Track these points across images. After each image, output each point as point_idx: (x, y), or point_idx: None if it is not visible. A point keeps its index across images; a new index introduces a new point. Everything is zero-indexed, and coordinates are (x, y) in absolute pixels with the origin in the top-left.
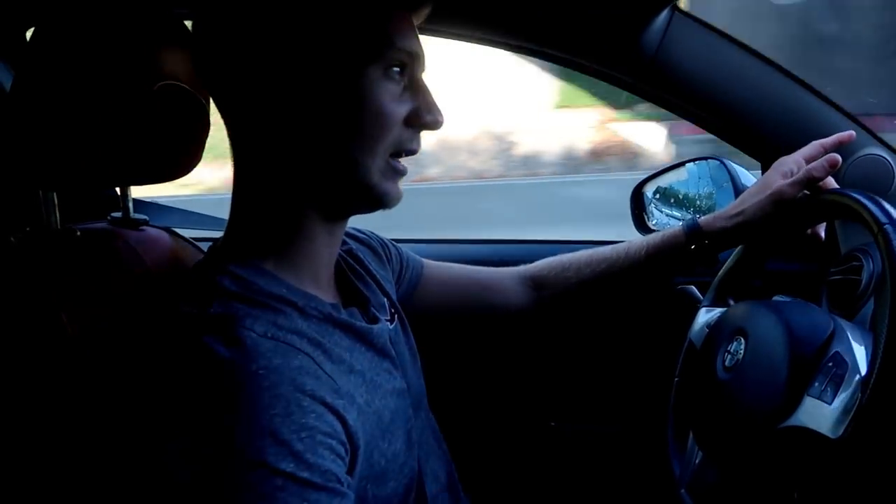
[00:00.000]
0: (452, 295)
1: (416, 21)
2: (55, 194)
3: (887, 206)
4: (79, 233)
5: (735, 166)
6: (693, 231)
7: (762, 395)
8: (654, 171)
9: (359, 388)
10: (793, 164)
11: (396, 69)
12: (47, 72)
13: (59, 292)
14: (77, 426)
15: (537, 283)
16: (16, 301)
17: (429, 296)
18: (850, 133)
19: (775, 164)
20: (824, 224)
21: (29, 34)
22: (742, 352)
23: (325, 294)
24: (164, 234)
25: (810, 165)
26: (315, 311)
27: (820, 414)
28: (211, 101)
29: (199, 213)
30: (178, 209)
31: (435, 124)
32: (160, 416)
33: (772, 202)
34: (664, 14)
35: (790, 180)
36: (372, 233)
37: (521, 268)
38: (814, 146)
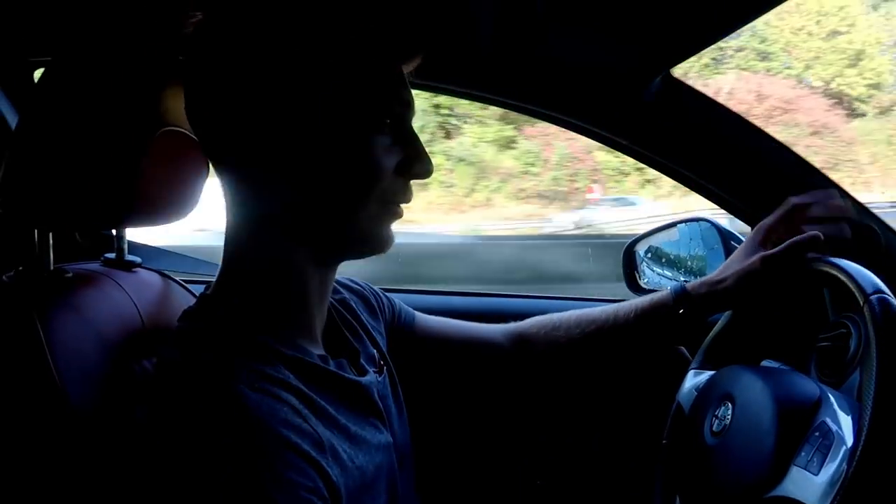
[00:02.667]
0: (443, 347)
1: (406, 70)
2: (50, 235)
3: (874, 277)
4: (70, 273)
5: (725, 228)
6: (680, 296)
7: (749, 463)
8: (645, 232)
9: (342, 444)
10: (772, 232)
11: (387, 120)
12: (52, 113)
13: (46, 334)
14: (60, 472)
15: (526, 341)
16: (4, 340)
17: (418, 348)
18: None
19: (755, 229)
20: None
21: (37, 75)
22: (729, 417)
23: (315, 344)
24: (157, 277)
25: (793, 239)
26: (302, 362)
27: (806, 485)
28: None
29: (192, 258)
30: (171, 252)
31: (425, 174)
32: (144, 465)
33: (755, 269)
34: (657, 80)
35: (774, 250)
36: (366, 283)
37: (511, 325)
38: (786, 204)
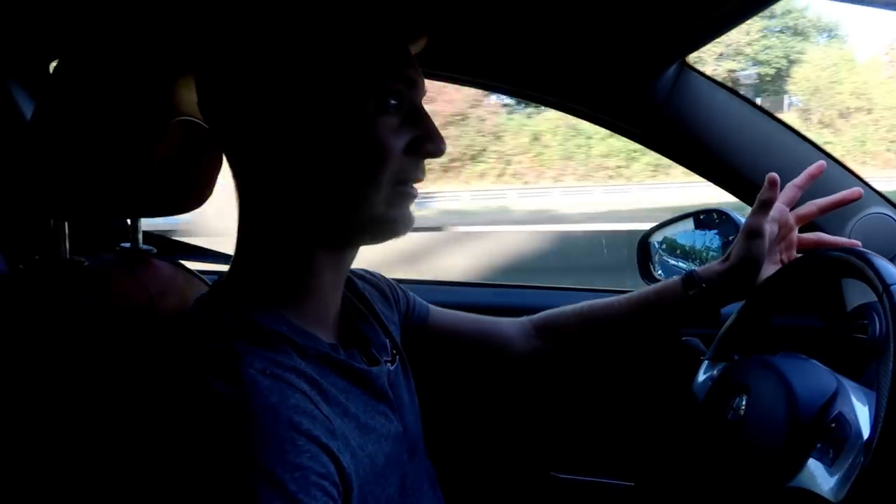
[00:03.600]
0: (456, 342)
1: (414, 51)
2: (66, 224)
3: (892, 267)
4: (86, 262)
5: (741, 218)
6: (689, 278)
7: (764, 455)
8: (660, 222)
9: (353, 432)
10: (776, 211)
11: (393, 101)
12: (68, 103)
13: (63, 322)
14: (76, 458)
15: (541, 333)
16: (21, 328)
17: (433, 341)
18: (820, 165)
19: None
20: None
21: (52, 66)
22: (744, 408)
23: (327, 333)
24: (171, 266)
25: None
26: (313, 350)
27: (822, 476)
28: None
29: (205, 248)
30: (185, 242)
31: (437, 152)
32: (156, 451)
33: (748, 238)
34: (673, 68)
35: (767, 217)
36: (380, 274)
37: (524, 319)
38: (789, 188)
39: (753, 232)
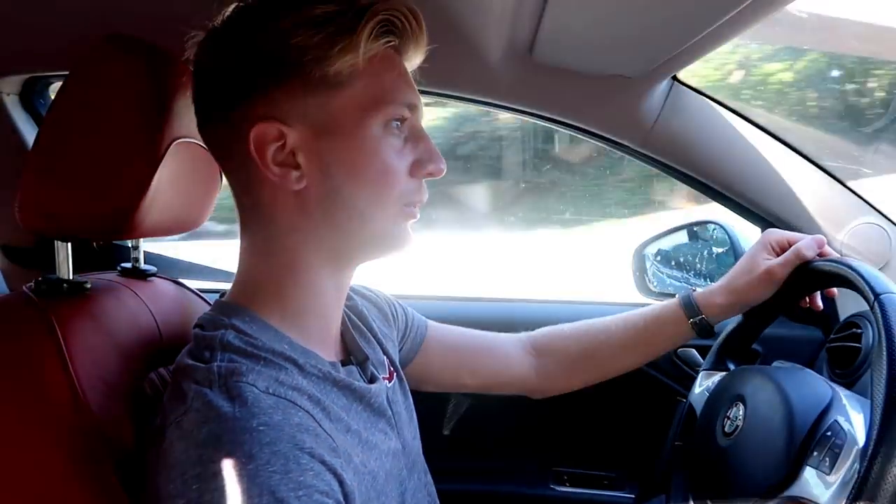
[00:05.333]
0: (456, 357)
1: (411, 67)
2: (69, 245)
3: (882, 277)
4: (88, 283)
5: (734, 231)
6: (689, 307)
7: (762, 464)
8: (655, 234)
9: (355, 448)
10: (775, 243)
11: (396, 123)
12: (68, 126)
13: (67, 342)
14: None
15: (539, 351)
16: (25, 349)
17: (432, 357)
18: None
19: (760, 238)
20: (820, 295)
21: (53, 90)
22: (741, 418)
23: (327, 351)
24: (172, 286)
25: (799, 244)
26: (314, 369)
27: (819, 485)
28: None
29: (206, 266)
30: (186, 262)
31: (438, 172)
32: (160, 470)
33: (764, 281)
34: (665, 83)
35: (780, 260)
36: (379, 291)
37: (523, 334)
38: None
39: (771, 276)
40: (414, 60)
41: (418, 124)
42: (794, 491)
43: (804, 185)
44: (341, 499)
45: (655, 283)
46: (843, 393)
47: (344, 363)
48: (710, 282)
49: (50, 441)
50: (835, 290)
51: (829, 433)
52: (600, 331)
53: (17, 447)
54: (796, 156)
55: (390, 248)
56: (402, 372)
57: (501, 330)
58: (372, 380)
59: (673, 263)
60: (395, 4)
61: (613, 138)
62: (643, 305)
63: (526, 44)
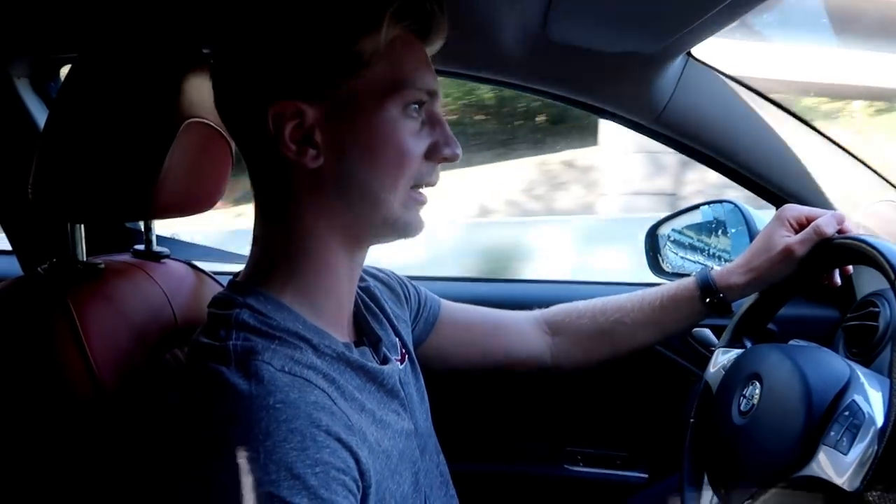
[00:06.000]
0: (469, 336)
1: (431, 52)
2: (82, 227)
3: None
4: (102, 265)
5: (749, 210)
6: (706, 286)
7: (778, 443)
8: (669, 214)
9: (369, 427)
10: (793, 219)
11: (414, 106)
12: (80, 108)
13: (82, 323)
14: (97, 459)
15: (553, 329)
16: (41, 330)
17: (446, 336)
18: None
19: (776, 214)
20: (838, 272)
21: (63, 72)
22: (757, 397)
23: (341, 331)
24: (185, 267)
25: (818, 221)
26: (328, 349)
27: (836, 464)
28: None
29: (218, 249)
30: (198, 244)
31: (453, 157)
32: (178, 449)
33: (783, 259)
34: (679, 60)
35: (799, 238)
36: (391, 272)
37: (537, 312)
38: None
39: (790, 254)
40: (435, 45)
41: (436, 109)
42: (810, 470)
43: (821, 162)
44: (357, 476)
45: (669, 264)
46: (861, 371)
47: (357, 344)
48: (725, 262)
49: (67, 420)
50: (850, 266)
51: (846, 412)
52: (616, 309)
53: (36, 426)
54: (813, 133)
55: (400, 232)
56: (413, 354)
57: (516, 309)
58: (384, 361)
59: (687, 244)
60: None
61: (627, 116)
62: (657, 286)
63: (539, 22)
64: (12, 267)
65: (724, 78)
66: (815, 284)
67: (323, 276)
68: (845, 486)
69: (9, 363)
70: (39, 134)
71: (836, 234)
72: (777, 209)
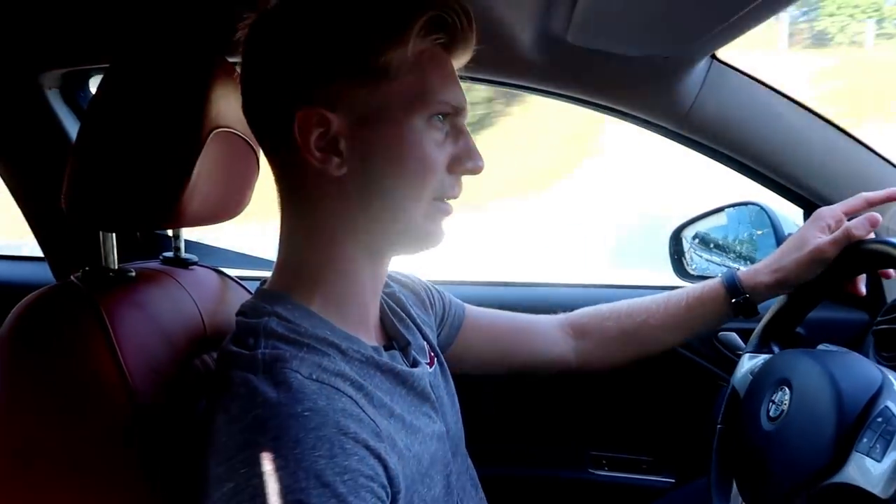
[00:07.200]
0: (494, 341)
1: (458, 66)
2: (114, 235)
3: None
4: (133, 272)
5: (775, 212)
6: (733, 286)
7: (808, 449)
8: (693, 217)
9: (399, 432)
10: (831, 219)
11: (439, 117)
12: (110, 119)
13: (114, 330)
14: (130, 464)
15: (577, 332)
16: (76, 336)
17: (471, 340)
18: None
19: (814, 215)
20: (864, 278)
21: (93, 83)
22: (787, 402)
23: (368, 336)
24: (213, 274)
25: (850, 223)
26: (357, 353)
27: (869, 472)
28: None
29: (245, 254)
30: (226, 250)
31: (476, 169)
32: (207, 456)
33: (812, 260)
34: (703, 62)
35: (829, 238)
36: (416, 277)
37: (562, 316)
38: (857, 199)
39: (820, 255)
40: (462, 59)
41: (461, 122)
42: (842, 478)
43: (849, 164)
44: (386, 483)
45: (695, 267)
46: (893, 376)
47: (386, 348)
48: (751, 265)
49: (102, 427)
50: (891, 270)
51: (879, 419)
52: (641, 311)
53: (71, 433)
54: (841, 134)
55: (422, 242)
56: (442, 357)
57: (540, 313)
58: (414, 364)
59: (712, 246)
60: (448, 2)
61: (651, 120)
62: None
63: (561, 26)
64: (45, 274)
65: (750, 80)
66: (843, 289)
67: (348, 283)
68: (879, 494)
69: (45, 369)
70: (70, 144)
71: (868, 238)
72: (804, 211)
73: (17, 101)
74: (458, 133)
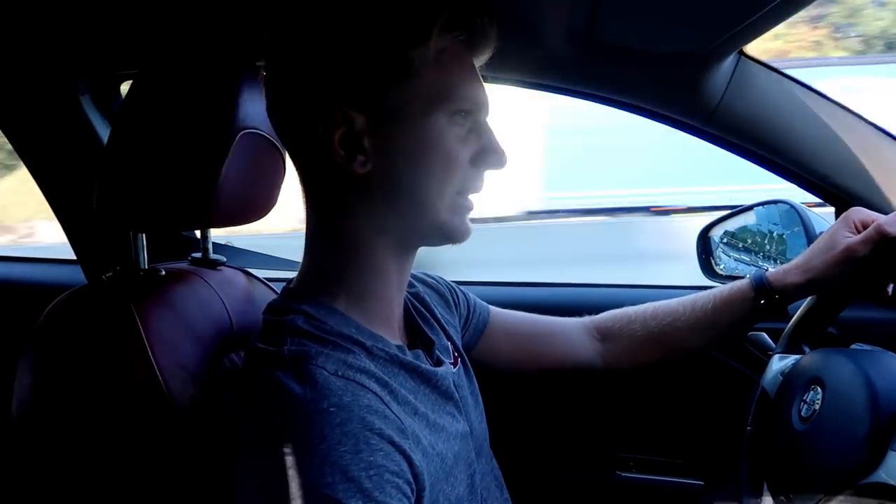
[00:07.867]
0: (519, 343)
1: (479, 63)
2: (144, 236)
3: None
4: (163, 272)
5: (806, 210)
6: (762, 286)
7: (842, 449)
8: (721, 216)
9: (423, 430)
10: (863, 216)
11: (462, 113)
12: (141, 123)
13: (145, 329)
14: (161, 462)
15: (603, 335)
16: (109, 336)
17: (495, 342)
18: None
19: (844, 215)
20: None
21: (124, 88)
22: (819, 402)
23: (393, 335)
24: (240, 274)
25: (882, 220)
26: (381, 351)
27: None
28: None
29: (271, 256)
30: (252, 251)
31: (499, 164)
32: (235, 452)
33: (843, 260)
34: (731, 59)
35: (861, 237)
36: (440, 278)
37: (587, 318)
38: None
39: (850, 254)
40: (483, 57)
41: (483, 118)
42: (879, 477)
43: (882, 160)
44: (411, 479)
45: (723, 267)
46: None
47: (410, 347)
48: (780, 265)
49: (136, 424)
50: None
51: None
52: (667, 313)
53: (106, 431)
54: (874, 130)
55: (447, 237)
56: (466, 357)
57: (565, 315)
58: (438, 363)
59: (741, 246)
60: (470, 0)
61: (677, 117)
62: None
63: (585, 22)
64: (76, 275)
65: (778, 76)
66: (874, 287)
67: (373, 280)
68: None
69: (79, 368)
70: (102, 148)
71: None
72: (836, 209)
73: (51, 107)
74: (481, 129)
